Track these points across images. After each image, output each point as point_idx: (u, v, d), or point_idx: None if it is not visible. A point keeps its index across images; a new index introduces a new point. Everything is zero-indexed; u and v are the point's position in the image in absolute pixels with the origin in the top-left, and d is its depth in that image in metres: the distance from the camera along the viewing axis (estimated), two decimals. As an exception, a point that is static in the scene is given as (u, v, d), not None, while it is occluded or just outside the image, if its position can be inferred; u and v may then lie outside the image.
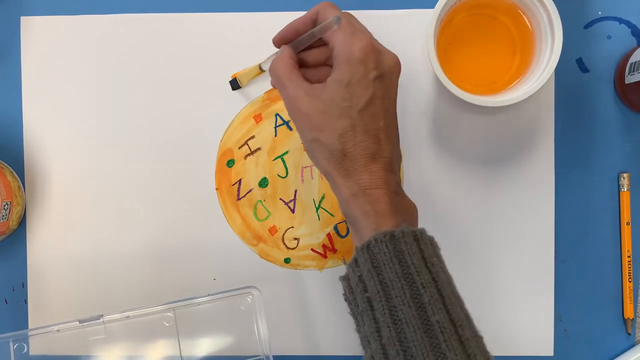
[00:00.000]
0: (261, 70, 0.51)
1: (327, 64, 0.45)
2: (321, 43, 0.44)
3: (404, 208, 0.42)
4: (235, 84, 0.53)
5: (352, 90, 0.40)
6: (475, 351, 0.36)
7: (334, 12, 0.42)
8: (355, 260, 0.39)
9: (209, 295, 0.50)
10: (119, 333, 0.50)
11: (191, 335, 0.51)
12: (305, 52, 0.45)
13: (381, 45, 0.42)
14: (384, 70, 0.41)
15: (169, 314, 0.50)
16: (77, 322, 0.49)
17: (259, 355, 0.50)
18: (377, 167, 0.41)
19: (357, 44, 0.40)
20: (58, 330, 0.49)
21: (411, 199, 0.53)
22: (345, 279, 0.41)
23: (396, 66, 0.42)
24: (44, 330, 0.49)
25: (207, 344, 0.51)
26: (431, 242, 0.39)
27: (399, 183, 0.42)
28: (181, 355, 0.50)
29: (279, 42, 0.46)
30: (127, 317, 0.50)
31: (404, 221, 0.40)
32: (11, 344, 0.50)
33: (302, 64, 0.45)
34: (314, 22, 0.44)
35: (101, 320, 0.49)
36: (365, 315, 0.38)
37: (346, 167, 0.41)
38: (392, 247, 0.38)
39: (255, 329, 0.50)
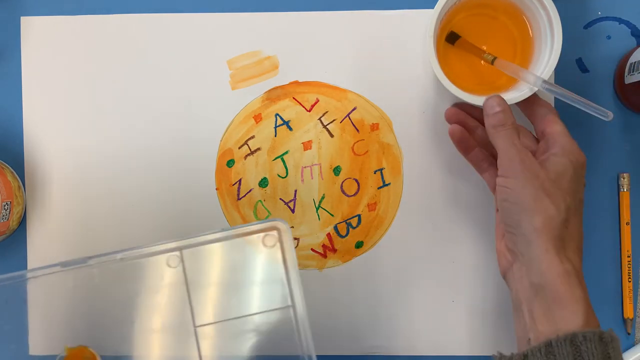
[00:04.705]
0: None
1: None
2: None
3: None
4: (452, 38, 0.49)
5: (577, 179, 0.42)
6: None
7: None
8: (550, 343, 0.38)
9: (223, 230, 0.42)
10: (112, 278, 0.43)
11: (201, 281, 0.43)
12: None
13: None
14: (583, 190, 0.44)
15: (175, 254, 0.42)
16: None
17: (287, 305, 0.42)
18: (580, 258, 0.41)
19: (582, 155, 0.43)
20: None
21: (412, 199, 0.53)
22: (522, 356, 0.39)
23: None
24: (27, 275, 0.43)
25: (218, 289, 0.43)
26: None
27: None
28: (190, 303, 0.43)
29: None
30: (121, 259, 0.42)
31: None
32: None
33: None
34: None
35: (87, 263, 0.42)
36: None
37: (563, 240, 0.41)
38: (600, 349, 0.37)
39: (283, 272, 0.42)
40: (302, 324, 0.41)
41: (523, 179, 0.41)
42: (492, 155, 0.49)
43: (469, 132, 0.49)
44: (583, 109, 0.44)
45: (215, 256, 0.43)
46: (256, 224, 0.42)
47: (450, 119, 0.49)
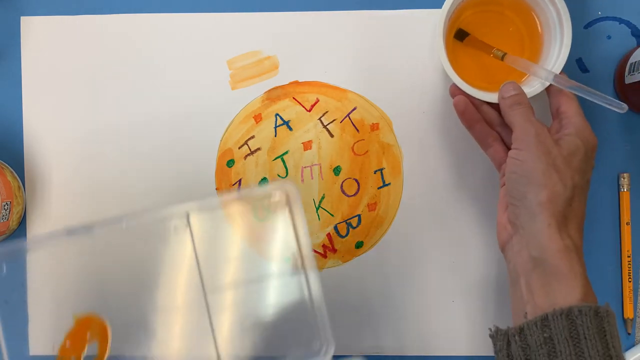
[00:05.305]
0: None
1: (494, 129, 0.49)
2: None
3: None
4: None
5: (587, 160, 0.43)
6: None
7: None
8: (546, 317, 0.38)
9: (229, 192, 0.42)
10: (117, 245, 0.42)
11: (209, 248, 0.41)
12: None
13: None
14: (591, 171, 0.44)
15: (181, 220, 0.41)
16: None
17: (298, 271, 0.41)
18: (581, 236, 0.42)
19: (594, 137, 0.44)
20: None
21: (412, 199, 0.53)
22: (518, 330, 0.39)
23: None
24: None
25: (227, 256, 0.42)
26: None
27: None
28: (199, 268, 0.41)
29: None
30: (126, 226, 0.41)
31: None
32: None
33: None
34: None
35: (92, 230, 0.41)
36: None
37: (566, 217, 0.41)
38: (595, 323, 0.37)
39: (292, 230, 0.40)
40: (314, 289, 0.40)
41: (535, 152, 0.42)
42: (497, 132, 0.49)
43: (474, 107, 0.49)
44: (597, 101, 0.44)
45: (221, 222, 0.42)
46: (265, 187, 0.42)
47: (454, 93, 0.48)
